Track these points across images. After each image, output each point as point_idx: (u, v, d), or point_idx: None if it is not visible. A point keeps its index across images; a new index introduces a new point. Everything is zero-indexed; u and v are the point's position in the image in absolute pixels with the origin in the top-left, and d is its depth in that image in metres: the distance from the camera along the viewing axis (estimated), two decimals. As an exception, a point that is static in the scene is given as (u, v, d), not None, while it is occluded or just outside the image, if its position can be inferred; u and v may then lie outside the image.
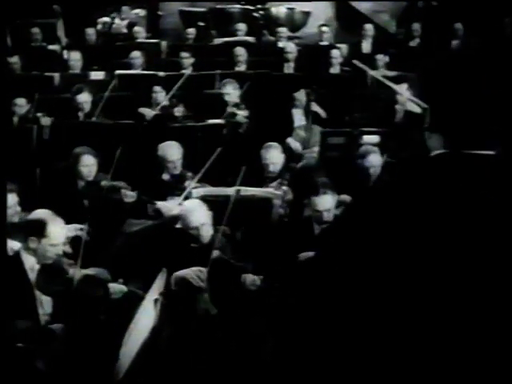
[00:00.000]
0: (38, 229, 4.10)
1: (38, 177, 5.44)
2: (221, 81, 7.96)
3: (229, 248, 4.68)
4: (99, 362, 3.57)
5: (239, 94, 7.38)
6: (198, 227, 4.65)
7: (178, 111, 7.23)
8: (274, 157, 5.92)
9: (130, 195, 5.45)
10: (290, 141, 7.01)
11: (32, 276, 4.09)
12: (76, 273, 4.09)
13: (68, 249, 4.32)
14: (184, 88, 7.48)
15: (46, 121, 6.92)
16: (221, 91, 7.50)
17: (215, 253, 4.46)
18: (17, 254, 4.12)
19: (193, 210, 4.73)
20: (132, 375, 3.23)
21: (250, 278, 4.36)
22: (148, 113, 7.30)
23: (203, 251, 4.55)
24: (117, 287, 4.20)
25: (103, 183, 5.51)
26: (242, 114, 7.06)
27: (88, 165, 5.65)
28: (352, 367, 1.49)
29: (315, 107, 7.26)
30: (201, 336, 3.92)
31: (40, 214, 4.26)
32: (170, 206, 5.31)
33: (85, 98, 7.04)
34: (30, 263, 4.12)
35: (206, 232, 4.66)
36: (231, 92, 7.38)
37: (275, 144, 6.02)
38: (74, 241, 4.61)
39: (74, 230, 4.85)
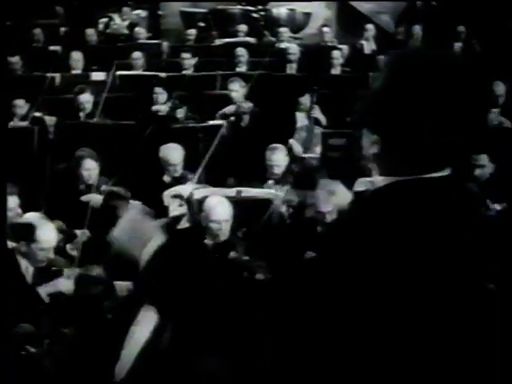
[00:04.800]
0: (27, 233, 4.07)
1: (47, 177, 5.39)
2: (222, 82, 7.97)
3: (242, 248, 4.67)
4: (100, 363, 3.57)
5: (245, 93, 7.37)
6: (221, 222, 4.63)
7: (180, 113, 7.23)
8: (279, 159, 5.90)
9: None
10: (293, 143, 6.99)
11: (27, 277, 4.07)
12: (72, 273, 4.06)
13: (75, 253, 4.27)
14: (185, 89, 7.49)
15: (50, 119, 6.91)
16: (228, 88, 7.49)
17: (232, 254, 4.48)
18: (11, 252, 4.08)
19: (219, 203, 4.73)
20: (133, 376, 3.23)
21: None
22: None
23: (217, 249, 4.56)
24: None
25: (103, 188, 5.47)
26: (247, 104, 7.05)
27: (89, 169, 5.63)
28: (350, 367, 1.49)
29: (317, 113, 7.25)
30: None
31: (29, 218, 4.24)
32: (188, 188, 5.29)
33: (86, 99, 7.04)
34: (23, 265, 4.11)
35: (227, 229, 4.66)
36: (238, 89, 7.38)
37: (281, 146, 6.00)
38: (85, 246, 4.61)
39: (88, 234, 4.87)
